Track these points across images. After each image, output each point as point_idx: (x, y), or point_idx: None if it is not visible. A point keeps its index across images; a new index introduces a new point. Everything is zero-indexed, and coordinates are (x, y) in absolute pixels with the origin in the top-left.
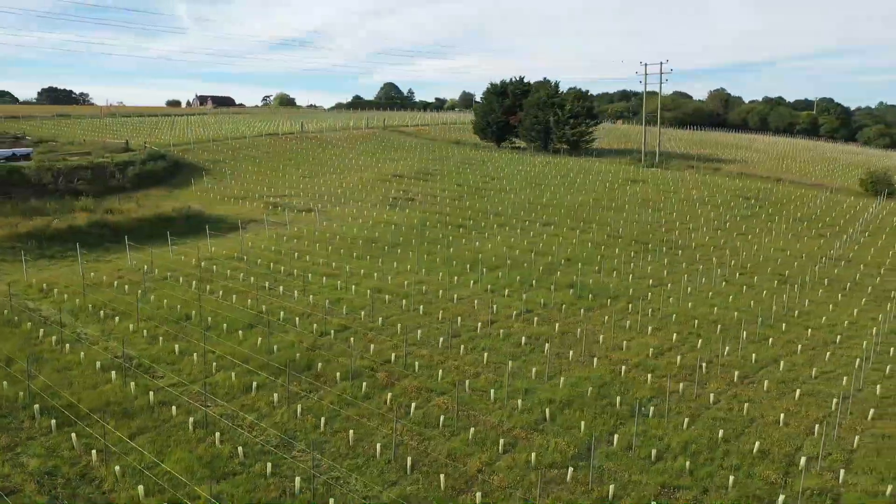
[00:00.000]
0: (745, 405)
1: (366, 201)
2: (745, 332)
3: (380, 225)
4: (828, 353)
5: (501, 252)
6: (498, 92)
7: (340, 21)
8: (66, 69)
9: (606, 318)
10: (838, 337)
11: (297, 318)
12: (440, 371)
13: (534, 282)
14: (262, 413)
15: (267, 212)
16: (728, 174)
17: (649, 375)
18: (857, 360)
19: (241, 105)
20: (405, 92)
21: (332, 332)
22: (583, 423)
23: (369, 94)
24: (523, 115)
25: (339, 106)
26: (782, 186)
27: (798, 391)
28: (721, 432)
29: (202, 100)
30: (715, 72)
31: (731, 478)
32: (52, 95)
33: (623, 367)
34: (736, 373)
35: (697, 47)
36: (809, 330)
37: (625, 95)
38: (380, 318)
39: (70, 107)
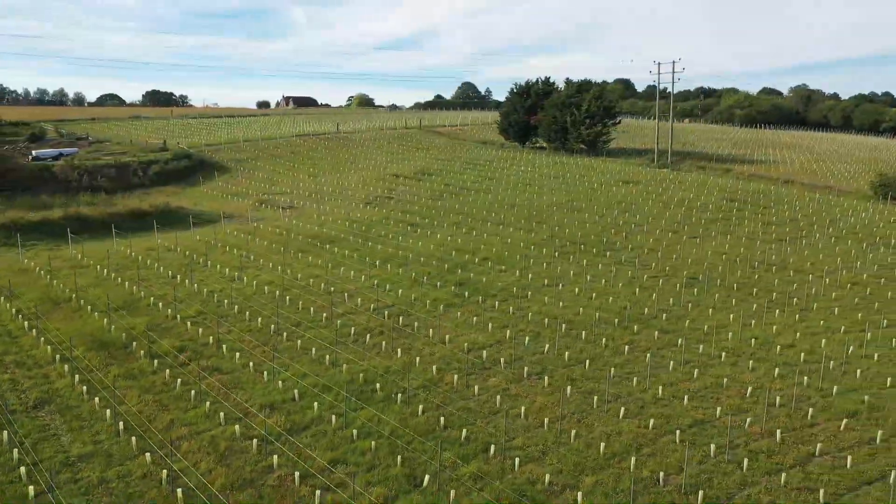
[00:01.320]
0: (497, 396)
1: (350, 199)
2: (584, 332)
3: (338, 222)
4: (647, 355)
5: (428, 250)
6: (521, 92)
7: (448, 20)
8: (177, 71)
9: (459, 313)
10: (680, 339)
11: (160, 304)
12: (237, 354)
13: (425, 278)
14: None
15: (252, 208)
16: (737, 175)
17: (434, 367)
18: (671, 362)
19: (325, 105)
20: (483, 91)
21: (179, 316)
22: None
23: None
24: (543, 115)
25: (417, 105)
26: (785, 188)
27: (570, 388)
28: (464, 431)
29: (287, 101)
30: (825, 67)
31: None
32: (155, 97)
33: (418, 358)
34: (525, 369)
35: (809, 41)
36: (657, 332)
37: (704, 93)
38: (235, 307)
39: (168, 108)
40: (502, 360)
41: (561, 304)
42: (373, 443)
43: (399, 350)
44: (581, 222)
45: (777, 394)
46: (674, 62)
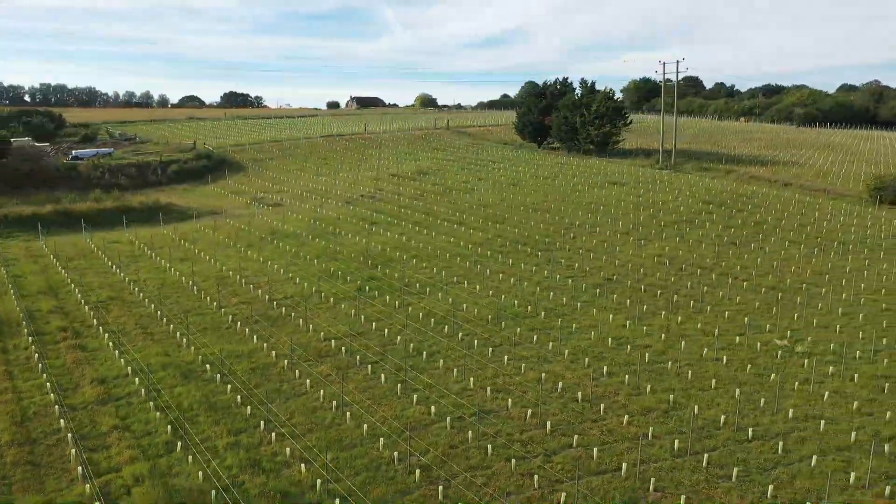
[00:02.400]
0: (307, 380)
1: (334, 198)
2: (447, 328)
3: (304, 220)
4: (490, 350)
5: (365, 247)
6: (536, 93)
7: (540, 17)
8: (267, 71)
9: (344, 305)
10: (536, 336)
11: (76, 289)
12: (106, 336)
13: (339, 272)
14: None
15: (243, 205)
16: (737, 177)
17: (274, 353)
18: (506, 357)
19: (393, 105)
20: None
21: (83, 301)
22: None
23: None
24: (555, 115)
25: (480, 105)
26: (775, 191)
27: (383, 376)
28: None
29: (354, 102)
30: None
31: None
32: (232, 98)
33: (265, 345)
34: (358, 358)
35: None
36: (519, 329)
37: (770, 91)
38: (141, 294)
39: (245, 109)
40: (343, 349)
41: (450, 300)
42: (158, 413)
43: (255, 336)
44: (538, 222)
45: (581, 389)
46: (678, 62)
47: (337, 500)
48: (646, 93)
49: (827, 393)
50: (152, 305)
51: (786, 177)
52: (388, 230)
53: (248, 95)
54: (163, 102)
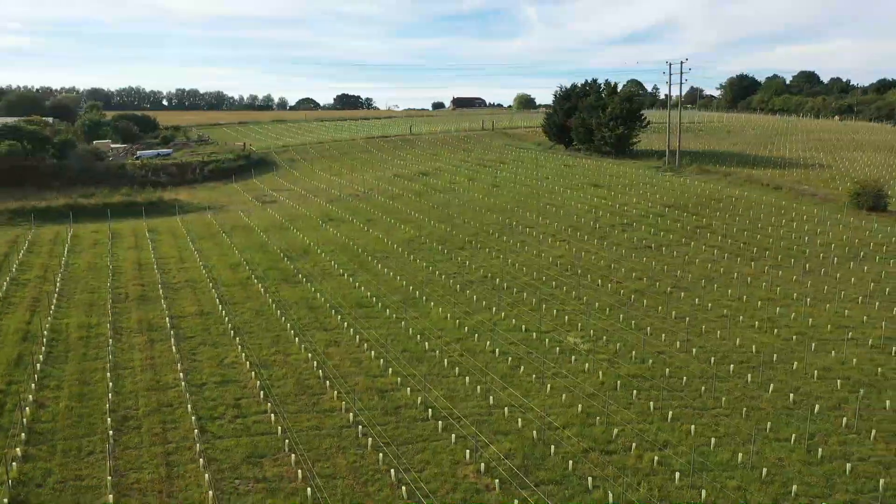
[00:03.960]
0: (128, 348)
1: (323, 196)
2: (292, 312)
3: (275, 216)
4: (296, 337)
5: (296, 242)
6: (563, 95)
7: (689, 10)
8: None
9: (225, 289)
10: (355, 322)
11: (14, 268)
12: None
13: (248, 265)
14: None
15: (243, 202)
16: (730, 180)
17: (124, 326)
18: (297, 338)
19: (497, 105)
20: (650, 89)
21: (9, 278)
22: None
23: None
24: (575, 117)
25: None
26: (755, 194)
27: (180, 344)
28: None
29: (454, 102)
30: None
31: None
32: (344, 100)
33: (115, 318)
34: (184, 332)
35: None
36: (352, 317)
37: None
38: (59, 276)
39: (354, 110)
40: (185, 326)
41: (313, 289)
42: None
43: (112, 313)
44: (481, 223)
45: (343, 373)
46: (682, 62)
47: None
48: (741, 90)
49: (549, 385)
50: (56, 286)
51: (789, 181)
52: (338, 227)
53: (358, 97)
54: (282, 105)
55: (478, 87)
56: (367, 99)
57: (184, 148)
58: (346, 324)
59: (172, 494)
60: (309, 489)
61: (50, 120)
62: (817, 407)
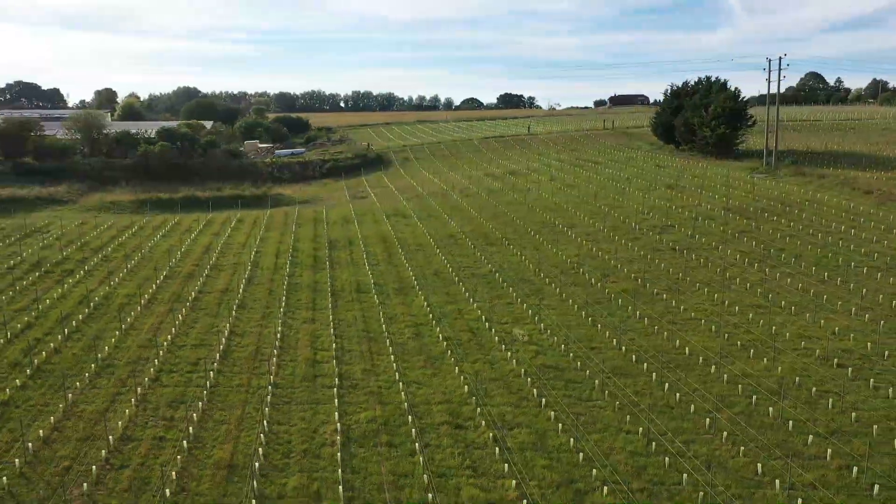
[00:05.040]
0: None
1: (410, 194)
2: (306, 291)
3: (353, 212)
4: (263, 317)
5: (356, 234)
6: (674, 93)
7: None
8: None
9: (259, 270)
10: (335, 302)
11: (111, 248)
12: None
13: (301, 248)
14: None
15: (339, 197)
16: (821, 183)
17: (131, 291)
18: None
19: (655, 103)
20: (832, 82)
21: (69, 251)
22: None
23: None
24: (679, 116)
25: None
26: (846, 200)
27: (177, 309)
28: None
29: (610, 100)
30: None
31: None
32: (506, 99)
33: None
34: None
35: None
36: (334, 300)
37: None
38: (136, 258)
39: (516, 110)
40: (205, 301)
41: (329, 275)
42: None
43: (116, 276)
44: (530, 221)
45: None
46: (780, 58)
47: None
48: None
49: (458, 369)
50: (140, 264)
51: (888, 185)
52: (396, 222)
53: (521, 96)
54: (448, 105)
55: (661, 84)
56: (530, 98)
57: (319, 147)
58: (329, 305)
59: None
60: None
61: (208, 124)
62: (692, 407)
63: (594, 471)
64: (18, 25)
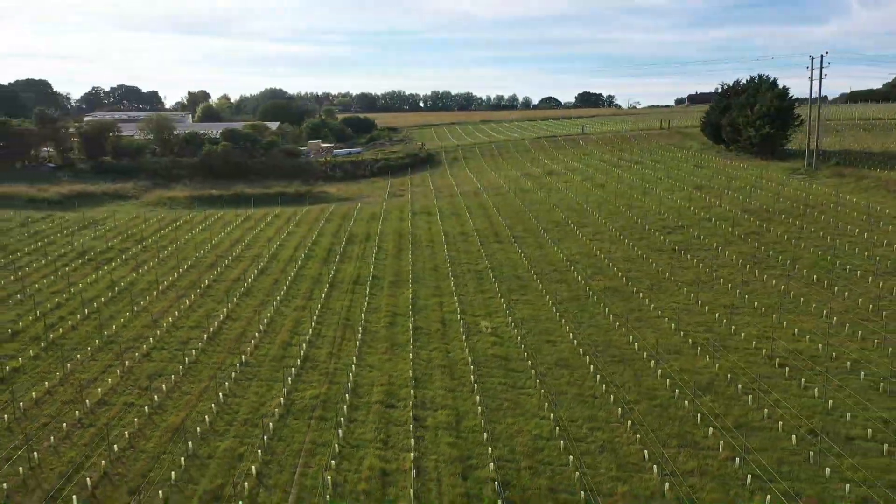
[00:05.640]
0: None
1: (444, 192)
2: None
3: (383, 209)
4: (234, 295)
5: (376, 230)
6: (724, 93)
7: None
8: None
9: (276, 262)
10: (331, 293)
11: (188, 237)
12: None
13: (319, 243)
14: None
15: (377, 195)
16: (857, 186)
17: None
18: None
19: None
20: None
21: (140, 237)
22: None
23: None
24: (726, 116)
25: (841, 97)
26: (878, 202)
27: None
28: None
29: (688, 99)
30: None
31: None
32: (584, 98)
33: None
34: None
35: None
36: (332, 292)
37: None
38: (170, 250)
39: (594, 109)
40: (216, 287)
41: (334, 269)
42: None
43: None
44: (545, 220)
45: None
46: (822, 56)
47: None
48: None
49: (412, 354)
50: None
51: None
52: (418, 219)
53: (599, 95)
54: (526, 104)
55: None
56: (609, 96)
57: (377, 147)
58: (323, 295)
59: None
60: None
61: (274, 125)
62: (612, 398)
63: (491, 449)
64: (138, 32)
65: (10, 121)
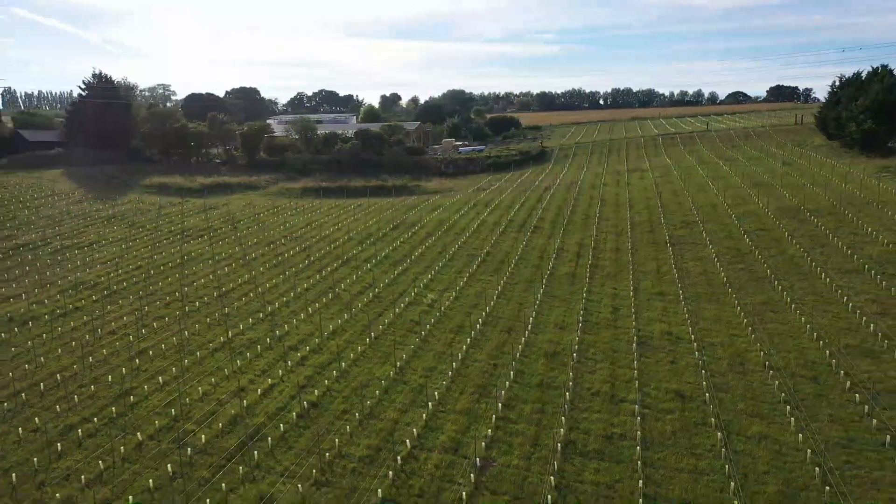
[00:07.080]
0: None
1: (528, 187)
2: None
3: (461, 203)
4: (215, 278)
5: (426, 219)
6: (840, 86)
7: None
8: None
9: (329, 245)
10: (355, 275)
11: (287, 224)
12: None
13: (373, 229)
14: None
15: (466, 191)
16: None
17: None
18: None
19: None
20: None
21: (216, 221)
22: None
23: None
24: (834, 111)
25: None
26: None
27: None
28: None
29: None
30: None
31: None
32: (778, 92)
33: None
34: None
35: None
36: (365, 269)
37: None
38: (262, 240)
39: (790, 103)
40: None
41: (363, 248)
42: None
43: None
44: (581, 214)
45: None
46: None
47: None
48: None
49: (348, 317)
50: (237, 235)
51: None
52: (473, 211)
53: (795, 88)
54: (712, 99)
55: None
56: (806, 89)
57: (504, 145)
58: (329, 270)
59: None
60: None
61: (412, 125)
62: (470, 355)
63: (330, 383)
64: (365, 39)
65: (187, 124)
